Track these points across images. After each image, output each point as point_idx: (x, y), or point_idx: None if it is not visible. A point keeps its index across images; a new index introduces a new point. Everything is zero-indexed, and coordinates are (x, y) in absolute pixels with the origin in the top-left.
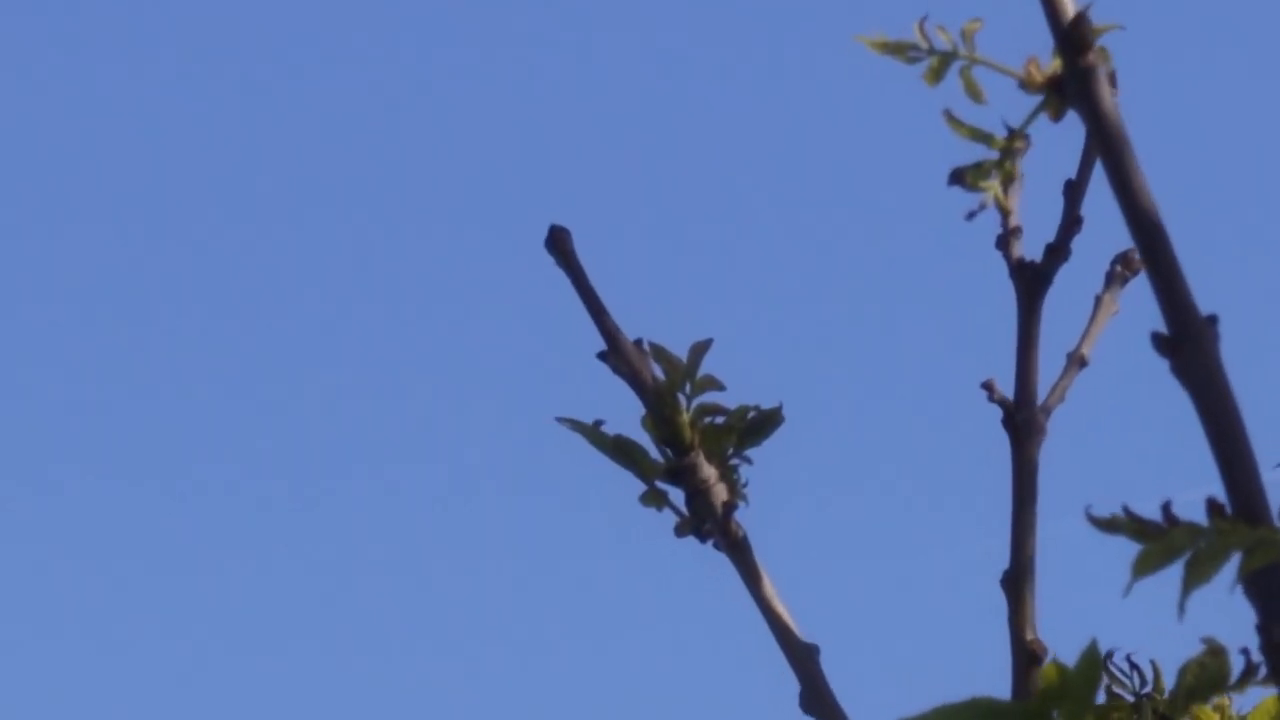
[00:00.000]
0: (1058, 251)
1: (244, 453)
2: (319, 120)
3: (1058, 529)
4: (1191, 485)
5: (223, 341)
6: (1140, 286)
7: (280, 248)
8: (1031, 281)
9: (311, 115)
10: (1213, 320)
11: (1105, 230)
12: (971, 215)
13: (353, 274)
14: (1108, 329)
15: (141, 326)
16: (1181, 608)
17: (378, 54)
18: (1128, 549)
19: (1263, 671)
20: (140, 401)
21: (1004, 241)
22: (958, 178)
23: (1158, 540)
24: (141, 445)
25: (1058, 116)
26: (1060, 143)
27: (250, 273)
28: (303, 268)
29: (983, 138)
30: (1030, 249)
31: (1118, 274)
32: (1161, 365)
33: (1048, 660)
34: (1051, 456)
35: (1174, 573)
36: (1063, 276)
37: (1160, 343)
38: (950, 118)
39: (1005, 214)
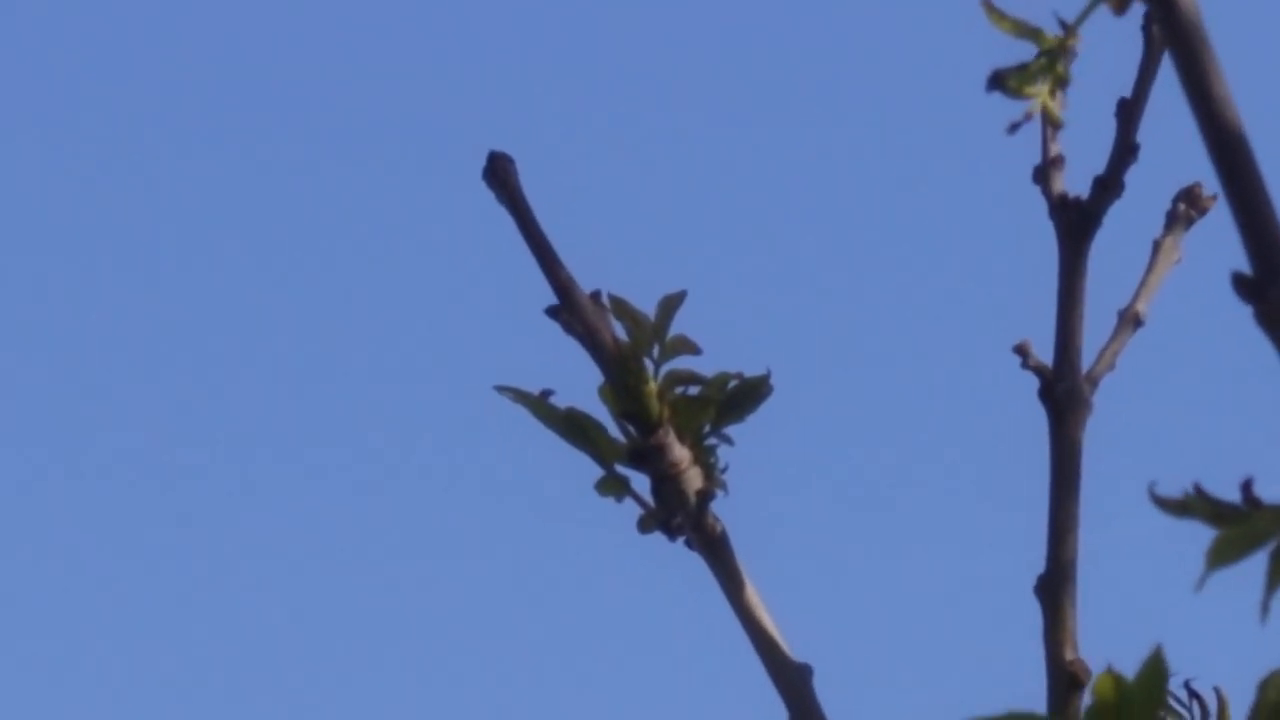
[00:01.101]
0: (1109, 185)
1: (161, 408)
2: (232, 45)
3: (1106, 525)
4: (1275, 467)
5: (131, 285)
6: (1208, 229)
7: (192, 195)
8: (1076, 222)
9: (228, 37)
10: None
11: (1167, 161)
12: (1015, 127)
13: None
14: (1168, 281)
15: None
16: (1265, 606)
17: None
18: (1197, 545)
19: None
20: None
21: (1043, 174)
22: (998, 81)
23: (1238, 525)
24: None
25: (1121, 9)
26: (1113, 56)
27: (164, 221)
28: (207, 211)
29: (1030, 33)
30: (1075, 183)
31: (1182, 214)
32: (1238, 318)
33: (1103, 671)
34: (1098, 435)
35: (1254, 566)
36: (1114, 216)
37: (1243, 285)
38: (991, 9)
39: (1055, 127)
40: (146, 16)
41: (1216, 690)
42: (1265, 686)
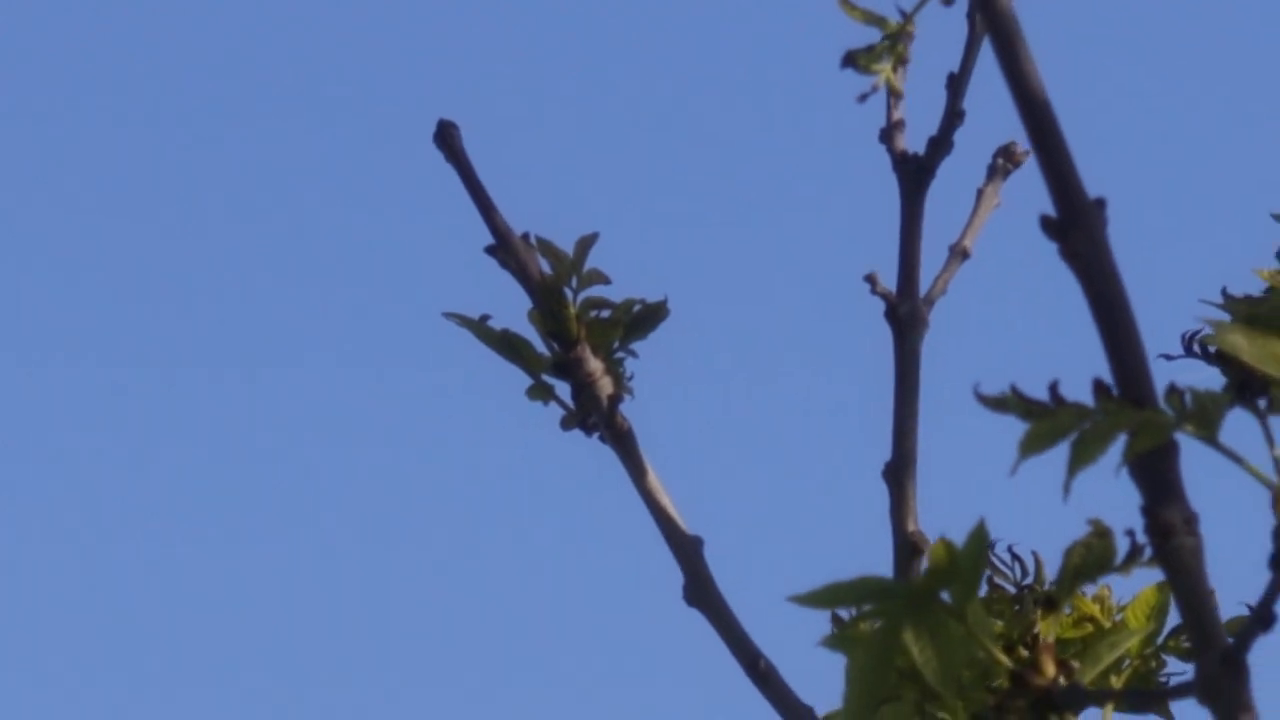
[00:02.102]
0: (940, 144)
1: (125, 348)
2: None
3: (940, 423)
4: (1076, 373)
5: (94, 239)
6: (1020, 180)
7: (157, 146)
8: (914, 174)
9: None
10: (1101, 203)
11: (987, 124)
12: (864, 97)
13: (244, 173)
14: (989, 222)
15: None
16: (1067, 488)
17: None
18: (1012, 437)
19: (1148, 553)
20: None
21: (887, 135)
22: (850, 60)
23: (1045, 419)
24: None
25: (949, 1)
26: (943, 39)
27: (126, 175)
28: (191, 168)
29: (875, 20)
30: (913, 143)
31: (999, 167)
32: (1046, 254)
33: (936, 540)
34: (933, 348)
35: (1059, 455)
36: (945, 170)
37: (1049, 226)
38: (844, 1)
39: (897, 97)
40: None
41: (1034, 554)
42: (1069, 553)
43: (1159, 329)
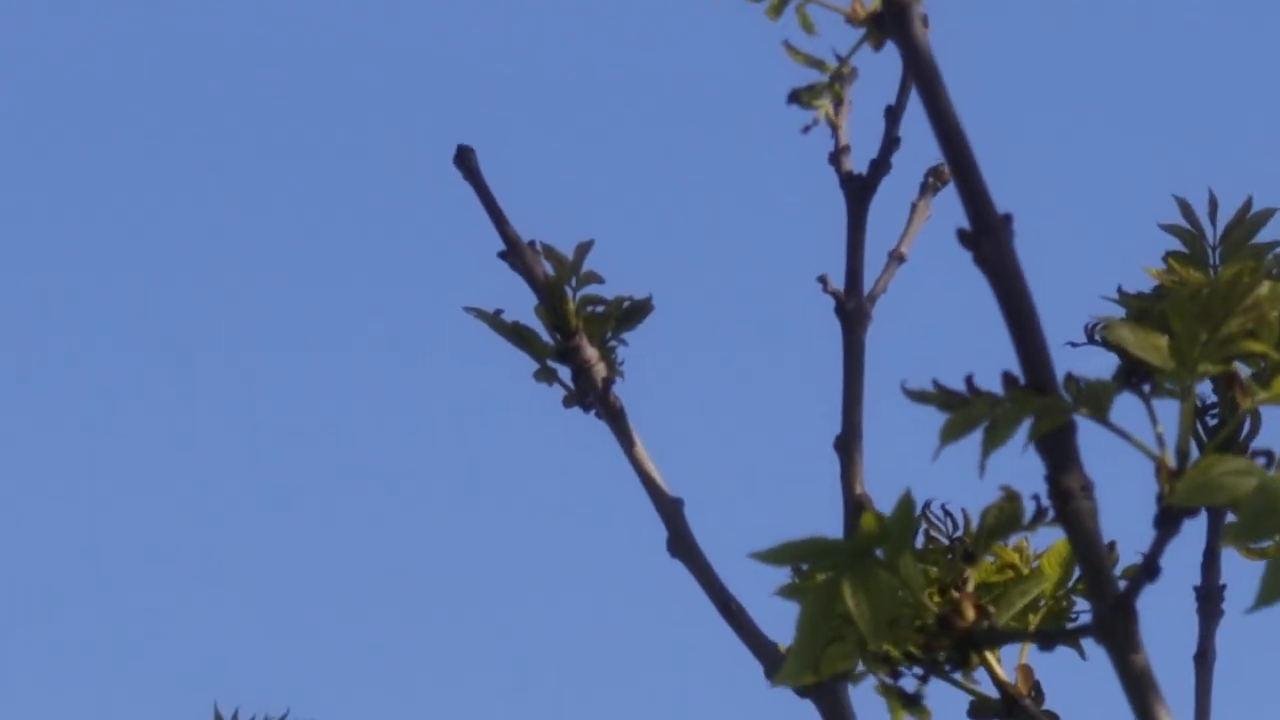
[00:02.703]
0: (880, 166)
1: (147, 339)
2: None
3: (882, 402)
4: (992, 362)
5: (135, 240)
6: (948, 195)
7: (211, 155)
8: (858, 191)
9: (235, 32)
10: (1008, 218)
11: (919, 149)
12: (806, 129)
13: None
14: (922, 231)
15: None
16: (982, 467)
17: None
18: (939, 417)
19: (1051, 515)
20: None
21: (835, 158)
22: (795, 97)
23: (961, 409)
24: None
25: (878, 46)
26: (881, 80)
27: (168, 179)
28: (261, 182)
29: (816, 64)
30: (857, 164)
31: (930, 184)
32: (966, 258)
33: (866, 512)
34: (876, 339)
35: (976, 437)
36: (884, 187)
37: (964, 237)
38: (789, 47)
39: (835, 129)
40: None
41: (963, 511)
42: (984, 514)
43: (1070, 320)
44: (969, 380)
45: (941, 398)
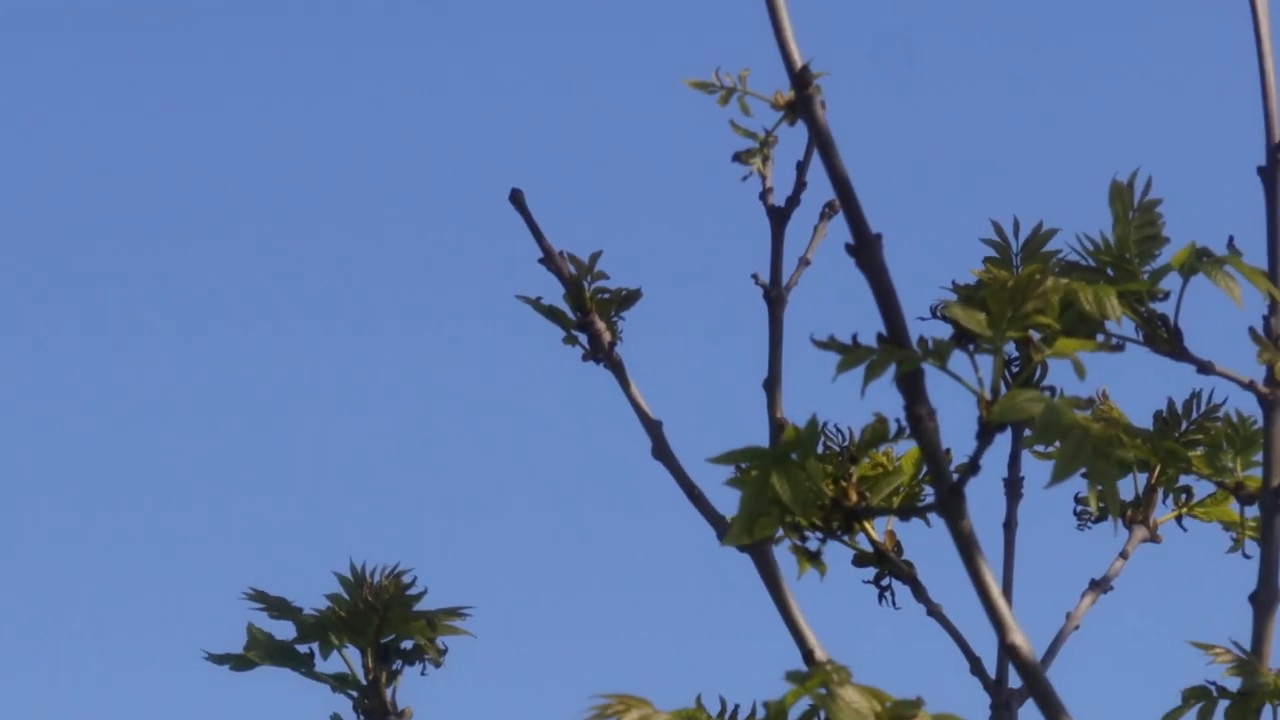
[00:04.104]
0: (793, 201)
1: (201, 334)
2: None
3: (795, 356)
4: (868, 329)
5: (185, 256)
6: (838, 222)
7: (276, 190)
8: (779, 218)
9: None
10: (879, 236)
11: (819, 190)
12: (745, 178)
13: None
14: (822, 243)
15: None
16: (863, 392)
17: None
18: (835, 361)
19: (907, 431)
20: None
21: (763, 196)
22: (737, 157)
23: (850, 354)
24: None
25: (793, 123)
26: (794, 145)
27: (230, 216)
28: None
29: (750, 135)
30: (778, 199)
31: (826, 213)
32: (850, 263)
33: (788, 427)
34: (791, 316)
35: (859, 373)
36: (797, 215)
37: (850, 249)
38: (733, 124)
39: (764, 177)
40: None
41: (849, 428)
42: (864, 431)
43: (921, 301)
44: (854, 338)
45: (837, 346)
